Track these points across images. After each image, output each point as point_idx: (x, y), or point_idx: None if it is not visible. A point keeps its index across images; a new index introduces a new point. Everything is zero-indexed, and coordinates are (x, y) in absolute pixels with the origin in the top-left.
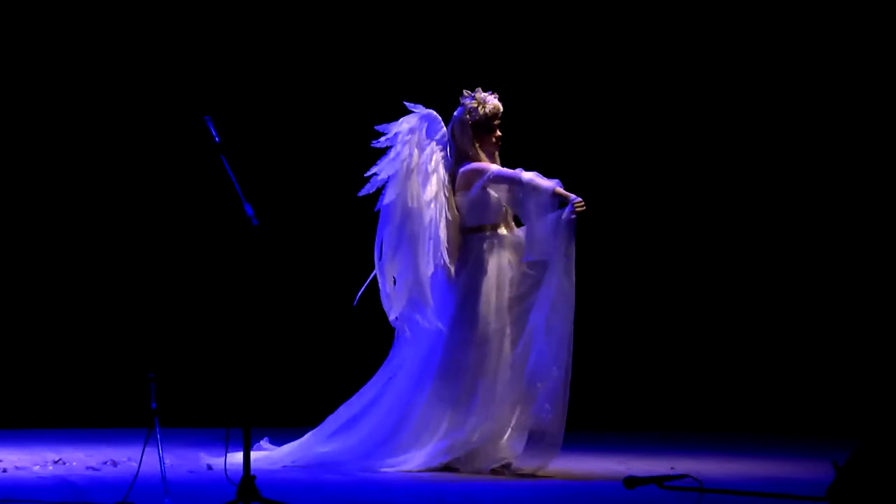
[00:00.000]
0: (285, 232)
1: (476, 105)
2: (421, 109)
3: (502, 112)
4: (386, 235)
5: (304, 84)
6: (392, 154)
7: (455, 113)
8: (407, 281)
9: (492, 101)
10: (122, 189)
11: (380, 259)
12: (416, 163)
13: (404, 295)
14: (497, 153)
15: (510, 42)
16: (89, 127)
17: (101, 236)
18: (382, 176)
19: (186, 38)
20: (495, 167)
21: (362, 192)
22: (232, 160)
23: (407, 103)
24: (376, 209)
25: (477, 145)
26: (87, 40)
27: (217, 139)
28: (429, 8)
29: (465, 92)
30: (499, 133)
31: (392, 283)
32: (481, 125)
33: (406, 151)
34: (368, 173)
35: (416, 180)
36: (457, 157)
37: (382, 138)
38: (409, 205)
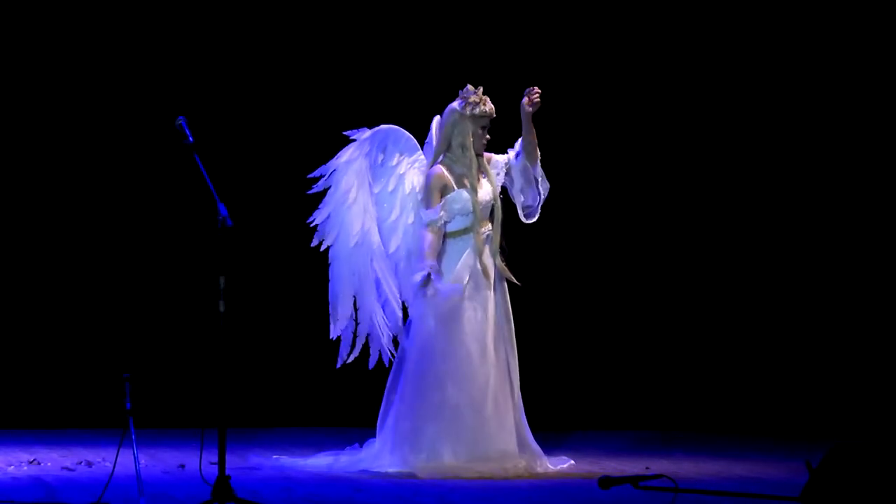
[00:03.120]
0: (261, 232)
1: (478, 101)
2: (363, 133)
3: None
4: (333, 280)
5: (280, 83)
6: (327, 196)
7: (453, 104)
8: (366, 319)
9: (489, 104)
10: (97, 189)
11: (332, 303)
12: (356, 195)
13: (365, 329)
14: (481, 155)
15: (501, 42)
16: (62, 128)
17: (75, 237)
18: (319, 220)
19: (161, 38)
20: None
21: (314, 244)
22: (206, 160)
23: (347, 132)
24: (322, 249)
25: (471, 140)
26: (59, 40)
27: (191, 139)
28: (409, 9)
29: (469, 87)
30: (488, 136)
31: (344, 324)
32: (478, 120)
33: (341, 189)
34: (309, 220)
35: (357, 213)
36: (437, 153)
37: (321, 181)
38: (351, 244)
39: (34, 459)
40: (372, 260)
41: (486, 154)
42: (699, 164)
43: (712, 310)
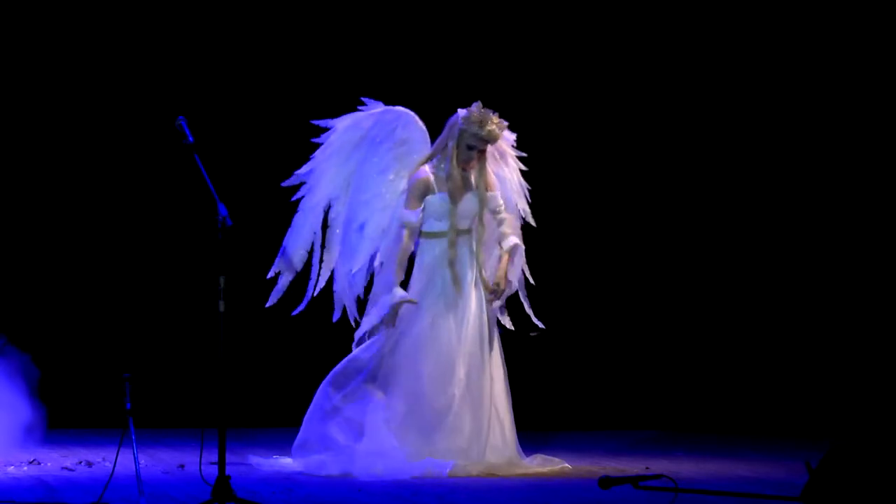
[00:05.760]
0: (261, 232)
1: (479, 121)
2: (376, 107)
3: (492, 142)
4: (293, 230)
5: (280, 83)
6: (317, 151)
7: (461, 110)
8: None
9: (491, 128)
10: (96, 189)
11: (283, 251)
12: (342, 160)
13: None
14: (466, 170)
15: (503, 46)
16: (61, 129)
17: (75, 237)
18: (304, 170)
19: (160, 38)
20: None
21: (285, 184)
22: (206, 160)
23: (364, 98)
24: (291, 200)
25: (456, 153)
26: (60, 41)
27: (191, 139)
28: (409, 10)
29: (478, 103)
30: (475, 160)
31: (290, 277)
32: (469, 138)
33: (331, 148)
34: (296, 172)
35: (336, 177)
36: (432, 153)
37: (321, 136)
38: (315, 201)
39: (34, 459)
40: (339, 231)
41: (494, 182)
42: (696, 164)
43: (712, 310)
